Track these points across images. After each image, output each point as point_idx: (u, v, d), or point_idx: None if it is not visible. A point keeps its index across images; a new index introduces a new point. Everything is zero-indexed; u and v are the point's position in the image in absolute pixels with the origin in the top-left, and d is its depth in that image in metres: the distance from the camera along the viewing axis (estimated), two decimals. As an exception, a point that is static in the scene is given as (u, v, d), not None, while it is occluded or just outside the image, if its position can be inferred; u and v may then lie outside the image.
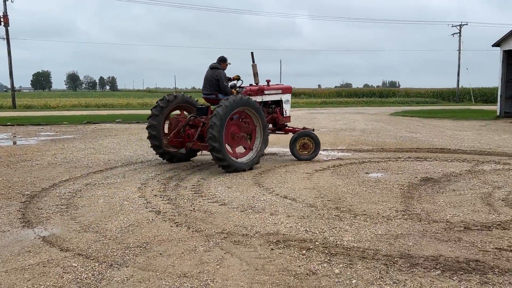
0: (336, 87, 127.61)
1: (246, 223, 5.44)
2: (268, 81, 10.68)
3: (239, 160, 9.05)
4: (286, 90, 10.81)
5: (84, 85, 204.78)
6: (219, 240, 4.81)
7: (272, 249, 4.55)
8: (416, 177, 8.09)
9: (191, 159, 10.43)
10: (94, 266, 4.15)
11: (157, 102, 9.86)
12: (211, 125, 8.47)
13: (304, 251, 4.47)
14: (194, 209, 6.09)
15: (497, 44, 24.36)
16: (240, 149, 9.59)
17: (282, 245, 4.65)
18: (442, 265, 4.08)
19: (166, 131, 10.00)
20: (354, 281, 3.79)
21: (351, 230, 5.13)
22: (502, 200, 6.44)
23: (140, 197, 6.76)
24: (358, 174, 8.50)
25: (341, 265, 4.11)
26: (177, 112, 10.41)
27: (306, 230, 5.16)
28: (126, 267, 4.13)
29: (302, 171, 8.82)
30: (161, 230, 5.18)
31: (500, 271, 3.95)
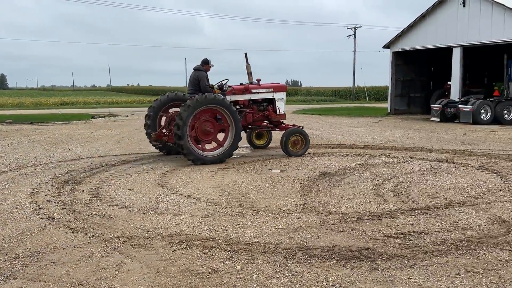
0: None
1: (148, 225, 5.31)
2: (258, 80, 10.99)
3: (204, 153, 9.53)
4: (278, 88, 11.12)
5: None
6: (119, 245, 4.64)
7: (174, 250, 4.49)
8: (315, 172, 8.46)
9: None
10: (-24, 281, 3.79)
11: (155, 99, 10.91)
12: (178, 114, 9.26)
13: (206, 250, 4.47)
14: (91, 213, 5.80)
15: (387, 46, 26.30)
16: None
17: (185, 246, 4.60)
18: (337, 254, 4.31)
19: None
20: (255, 276, 3.86)
21: (253, 226, 5.23)
22: (391, 191, 6.96)
23: (31, 203, 6.30)
24: (262, 171, 8.69)
25: (242, 261, 4.17)
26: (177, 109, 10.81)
27: (209, 228, 5.16)
28: (14, 279, 3.83)
29: (207, 170, 8.82)
30: (55, 238, 4.87)
31: (388, 257, 4.26)
